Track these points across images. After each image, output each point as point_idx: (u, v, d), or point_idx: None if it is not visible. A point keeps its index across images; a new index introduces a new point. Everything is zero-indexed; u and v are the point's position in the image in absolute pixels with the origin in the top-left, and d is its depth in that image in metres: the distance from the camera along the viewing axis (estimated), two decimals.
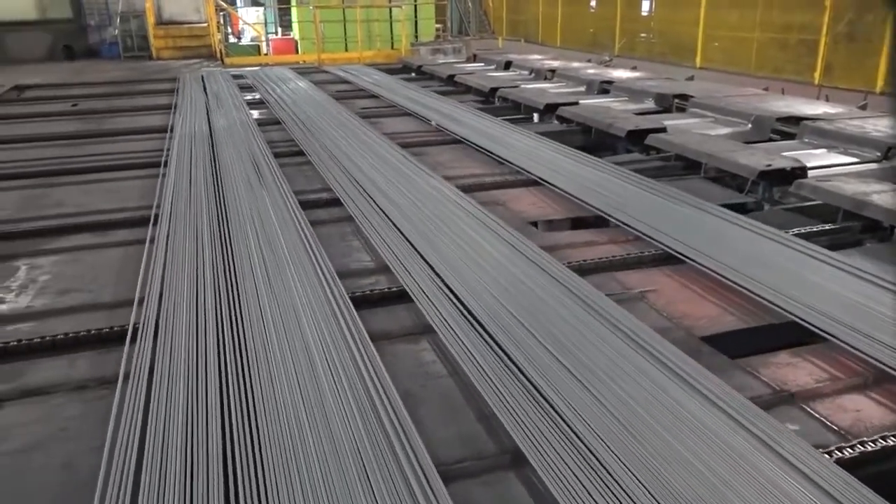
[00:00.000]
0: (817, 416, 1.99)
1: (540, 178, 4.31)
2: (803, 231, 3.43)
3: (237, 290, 2.72)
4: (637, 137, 5.13)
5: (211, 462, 1.74)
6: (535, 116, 6.64)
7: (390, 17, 15.78)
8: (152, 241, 3.32)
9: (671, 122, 5.58)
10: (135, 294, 2.76)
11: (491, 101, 7.54)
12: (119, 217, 3.83)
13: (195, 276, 2.86)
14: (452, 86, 8.75)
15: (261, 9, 18.62)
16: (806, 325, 2.41)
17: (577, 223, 3.86)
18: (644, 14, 15.62)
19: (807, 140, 4.99)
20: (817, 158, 4.51)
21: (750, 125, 5.49)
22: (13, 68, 13.36)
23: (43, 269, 3.18)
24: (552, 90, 7.56)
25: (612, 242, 3.36)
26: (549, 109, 6.36)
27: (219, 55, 14.85)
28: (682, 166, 4.70)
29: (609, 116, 5.59)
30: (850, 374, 2.18)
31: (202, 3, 15.89)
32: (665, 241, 3.19)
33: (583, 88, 7.72)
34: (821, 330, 2.36)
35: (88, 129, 6.39)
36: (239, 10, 17.37)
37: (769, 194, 4.05)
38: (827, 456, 1.74)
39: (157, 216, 3.64)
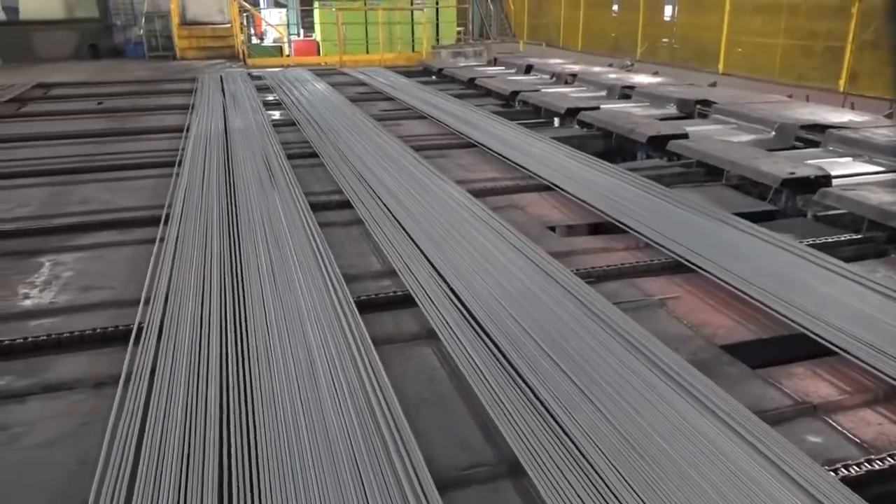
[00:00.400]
0: (840, 428, 1.96)
1: (552, 184, 4.28)
2: (828, 241, 3.38)
3: (243, 290, 2.73)
4: (658, 143, 5.10)
5: (207, 464, 1.74)
6: (556, 121, 6.62)
7: (412, 19, 15.81)
8: (162, 240, 3.35)
9: (693, 128, 5.53)
10: (142, 293, 2.77)
11: (511, 104, 7.53)
12: (143, 215, 3.87)
13: (202, 276, 2.87)
14: (473, 89, 8.75)
15: (283, 10, 18.74)
16: (815, 337, 2.37)
17: (595, 229, 3.84)
18: (666, 19, 15.51)
19: (831, 148, 4.93)
20: (842, 167, 4.45)
21: (773, 132, 5.43)
22: (40, 66, 13.56)
23: (66, 266, 3.22)
24: (573, 94, 7.54)
25: (625, 250, 3.34)
26: (570, 114, 6.34)
27: (241, 56, 14.96)
28: (704, 173, 4.66)
29: (630, 122, 5.56)
30: (872, 387, 2.15)
31: (226, 4, 16.04)
32: (676, 250, 3.15)
33: (604, 93, 7.68)
34: (831, 343, 2.32)
35: (112, 128, 6.48)
36: (262, 11, 17.49)
37: (792, 203, 4.01)
38: (832, 474, 1.70)
39: (167, 216, 3.67)
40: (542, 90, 7.69)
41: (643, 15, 15.51)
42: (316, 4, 15.95)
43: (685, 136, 5.10)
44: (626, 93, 7.41)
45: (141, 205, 4.07)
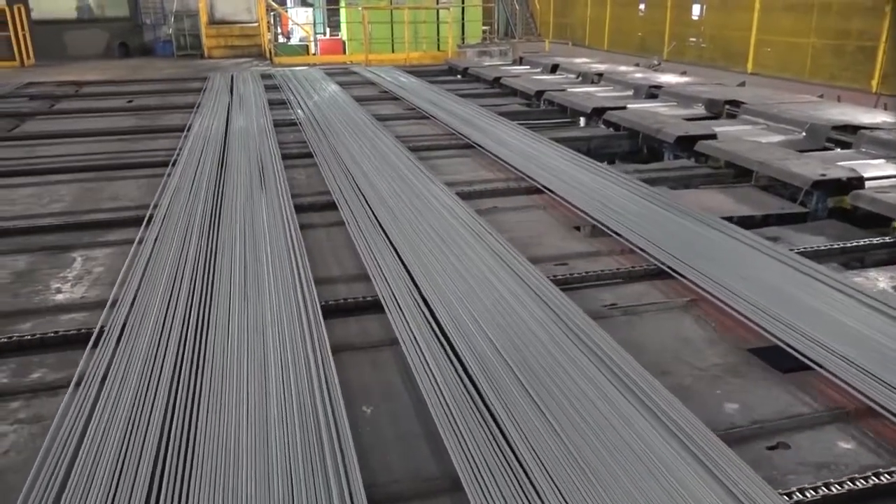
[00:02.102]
0: (874, 436, 1.93)
1: (544, 186, 4.19)
2: (859, 244, 3.33)
3: (211, 294, 2.70)
4: (686, 144, 5.05)
5: (140, 472, 1.72)
6: (582, 120, 6.59)
7: (437, 18, 15.82)
8: (140, 241, 3.32)
9: (721, 128, 5.47)
10: (110, 296, 2.75)
11: (536, 104, 7.51)
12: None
13: (173, 278, 2.83)
14: (498, 88, 8.74)
15: (310, 9, 18.86)
16: (791, 351, 2.29)
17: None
18: (694, 18, 15.37)
19: (864, 150, 4.84)
20: (875, 169, 4.37)
21: (804, 133, 5.35)
22: (71, 64, 13.81)
23: (97, 261, 3.27)
24: (599, 94, 7.49)
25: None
26: (596, 113, 6.30)
27: (268, 54, 15.09)
28: (733, 174, 4.61)
29: (657, 121, 5.51)
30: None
31: (253, 4, 16.20)
32: (660, 256, 3.06)
33: (630, 93, 7.63)
34: (807, 358, 2.24)
35: (142, 125, 6.57)
36: (289, 10, 17.62)
37: (823, 205, 3.94)
38: (786, 497, 1.63)
39: (150, 217, 3.64)
40: (568, 89, 7.65)
41: (671, 14, 15.38)
42: (342, 3, 16.02)
43: (713, 136, 5.04)
44: (653, 92, 7.35)
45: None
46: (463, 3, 16.70)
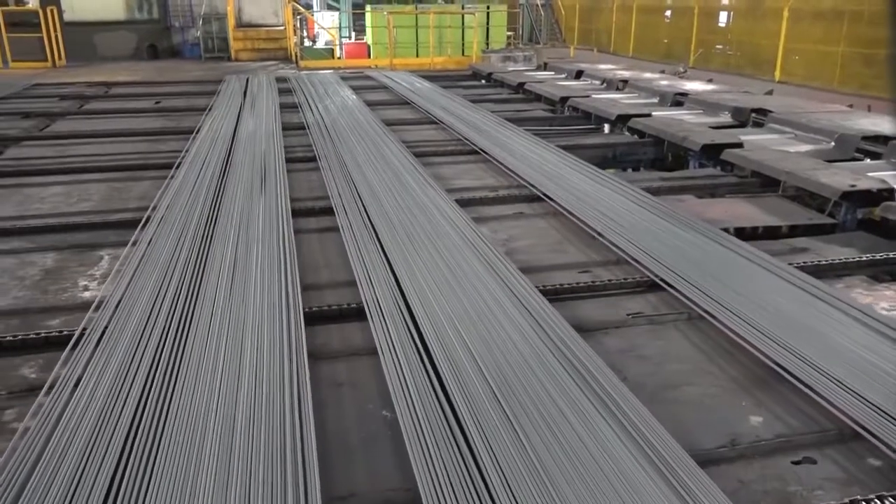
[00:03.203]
0: None
1: (544, 195, 4.17)
2: (889, 256, 3.27)
3: (196, 298, 2.70)
4: (712, 152, 5.00)
5: (101, 472, 1.72)
6: (606, 127, 6.56)
7: (462, 23, 15.85)
8: (135, 243, 3.35)
9: (748, 137, 5.41)
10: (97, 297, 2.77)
11: (560, 110, 7.49)
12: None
13: (161, 280, 2.84)
14: (522, 94, 8.73)
15: (336, 13, 19.01)
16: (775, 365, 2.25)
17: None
18: (721, 25, 15.24)
19: (895, 160, 4.76)
20: None
21: (833, 143, 5.28)
22: (101, 65, 14.03)
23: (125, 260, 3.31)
24: (624, 101, 7.45)
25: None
26: (621, 120, 6.27)
27: (294, 58, 15.22)
28: (759, 183, 4.55)
29: (683, 129, 5.47)
30: None
31: (280, 7, 16.34)
32: (653, 267, 3.02)
33: (656, 100, 7.57)
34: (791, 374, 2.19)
35: (168, 127, 6.65)
36: (315, 14, 17.76)
37: (852, 216, 3.88)
38: None
39: (148, 219, 3.67)
40: (593, 96, 7.62)
41: (697, 21, 15.25)
42: (368, 8, 16.12)
43: (740, 145, 4.99)
44: (679, 100, 7.29)
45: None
46: (488, 8, 16.72)
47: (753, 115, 6.26)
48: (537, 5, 21.06)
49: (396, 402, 2.02)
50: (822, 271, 3.12)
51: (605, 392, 2.05)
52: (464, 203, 4.01)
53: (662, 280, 2.92)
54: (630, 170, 5.90)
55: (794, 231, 3.80)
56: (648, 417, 1.93)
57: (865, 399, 2.02)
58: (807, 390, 2.11)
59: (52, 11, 14.35)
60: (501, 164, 4.93)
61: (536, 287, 2.80)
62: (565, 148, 5.29)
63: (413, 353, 2.29)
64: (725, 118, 6.40)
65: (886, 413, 1.95)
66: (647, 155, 5.81)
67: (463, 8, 16.05)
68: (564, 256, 3.38)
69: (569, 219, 3.80)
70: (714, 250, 3.23)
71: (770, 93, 7.87)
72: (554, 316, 2.53)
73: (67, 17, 15.30)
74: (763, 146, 5.11)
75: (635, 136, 6.01)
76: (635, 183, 4.51)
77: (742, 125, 6.20)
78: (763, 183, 4.53)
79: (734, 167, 4.85)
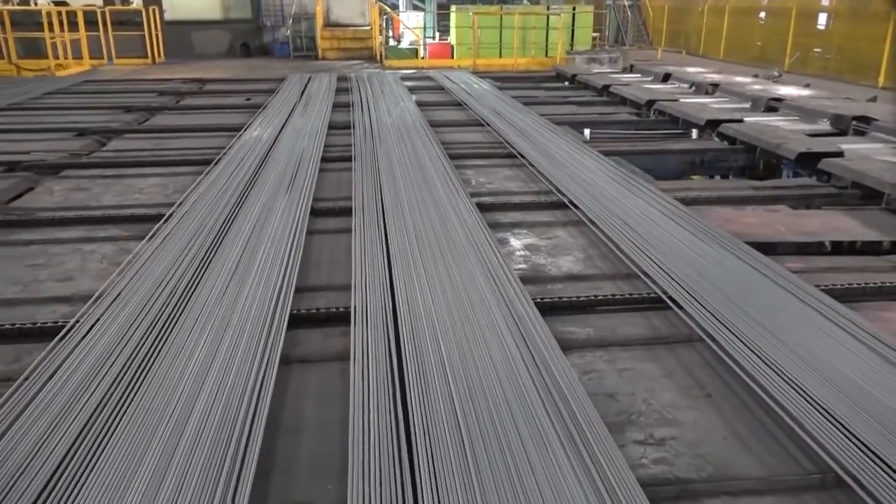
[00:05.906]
0: None
1: (570, 202, 4.05)
2: None
3: (191, 297, 2.71)
4: (808, 161, 4.77)
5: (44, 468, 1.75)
6: (694, 132, 6.35)
7: (547, 24, 15.68)
8: (150, 238, 3.42)
9: (849, 146, 5.13)
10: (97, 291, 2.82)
11: (646, 114, 7.31)
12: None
13: (161, 278, 2.88)
14: (606, 96, 8.57)
15: (421, 13, 19.18)
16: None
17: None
18: (820, 27, 14.51)
19: None
20: None
21: None
22: (197, 63, 14.65)
23: None
24: (714, 105, 7.21)
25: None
26: (710, 125, 6.06)
27: (379, 57, 15.45)
28: (860, 195, 4.31)
29: (777, 136, 5.24)
30: None
31: (367, 8, 16.63)
32: (663, 284, 2.88)
33: (747, 105, 7.29)
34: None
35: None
36: (400, 14, 17.97)
37: None
38: None
39: (169, 215, 3.74)
40: (681, 100, 7.41)
41: (794, 23, 14.58)
42: (453, 8, 16.17)
43: (840, 154, 4.74)
44: (773, 105, 7.00)
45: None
46: (574, 9, 16.49)
47: (855, 122, 5.94)
48: (624, 6, 20.64)
49: (352, 408, 1.98)
50: None
51: (573, 420, 1.92)
52: (485, 208, 3.97)
53: (670, 297, 2.78)
54: (718, 177, 5.70)
55: None
56: (614, 453, 1.80)
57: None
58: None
59: (154, 11, 15.08)
60: (536, 169, 4.85)
61: (535, 299, 2.71)
62: (651, 153, 5.15)
63: (385, 361, 2.23)
64: (824, 125, 6.10)
65: None
66: (738, 162, 5.61)
67: (548, 9, 15.88)
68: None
69: (590, 228, 3.70)
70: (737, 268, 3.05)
71: (874, 99, 7.44)
72: (543, 332, 2.42)
73: (168, 16, 16.04)
74: (865, 156, 4.84)
75: (725, 143, 5.80)
76: (723, 191, 4.36)
77: (842, 133, 5.89)
78: (864, 195, 4.29)
79: (831, 177, 4.61)
